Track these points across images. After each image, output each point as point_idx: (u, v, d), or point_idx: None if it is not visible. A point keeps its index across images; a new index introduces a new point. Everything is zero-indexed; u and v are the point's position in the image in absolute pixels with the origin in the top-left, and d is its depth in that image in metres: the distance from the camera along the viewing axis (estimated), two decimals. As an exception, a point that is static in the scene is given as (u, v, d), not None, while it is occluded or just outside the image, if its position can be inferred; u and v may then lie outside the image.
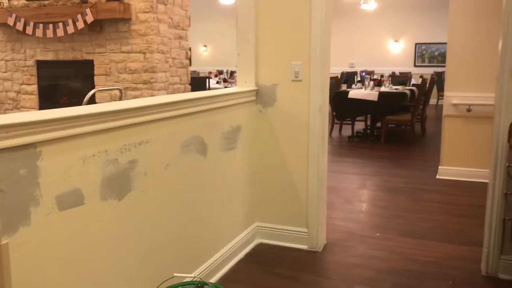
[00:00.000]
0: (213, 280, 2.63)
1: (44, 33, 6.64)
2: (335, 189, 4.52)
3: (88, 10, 6.32)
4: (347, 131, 7.95)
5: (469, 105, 4.64)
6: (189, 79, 7.31)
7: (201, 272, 2.52)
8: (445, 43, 4.79)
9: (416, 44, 12.84)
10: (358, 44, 13.23)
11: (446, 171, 4.88)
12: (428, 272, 2.78)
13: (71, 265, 1.69)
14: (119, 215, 1.91)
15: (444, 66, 4.99)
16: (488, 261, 2.74)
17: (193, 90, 7.30)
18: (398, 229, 3.48)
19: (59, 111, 1.68)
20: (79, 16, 6.38)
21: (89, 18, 6.34)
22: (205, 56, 14.96)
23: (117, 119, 1.85)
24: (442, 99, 4.89)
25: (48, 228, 1.58)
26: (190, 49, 7.35)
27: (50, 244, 1.60)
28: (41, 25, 6.62)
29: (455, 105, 4.71)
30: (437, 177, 4.92)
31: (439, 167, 4.95)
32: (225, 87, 8.65)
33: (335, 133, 7.94)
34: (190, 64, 7.50)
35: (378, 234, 3.39)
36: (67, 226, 1.66)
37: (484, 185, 2.97)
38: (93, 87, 6.49)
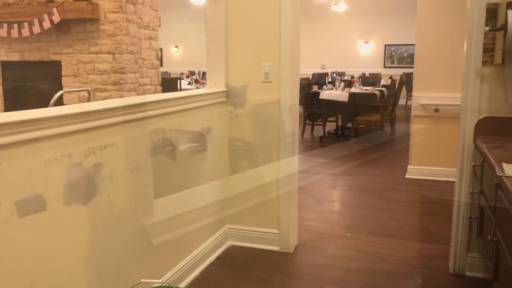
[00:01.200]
0: (183, 284, 2.59)
1: (9, 33, 6.45)
2: (306, 190, 4.54)
3: (55, 10, 6.17)
4: (318, 131, 8.01)
5: (437, 105, 4.73)
6: (160, 80, 7.23)
7: (170, 277, 2.48)
8: (414, 45, 4.87)
9: (385, 45, 13.03)
10: (329, 45, 13.35)
11: (415, 171, 4.96)
12: (397, 271, 2.81)
13: (33, 273, 1.63)
14: (84, 220, 1.86)
15: (413, 67, 5.07)
16: (455, 259, 2.78)
17: (164, 91, 7.22)
18: (368, 229, 3.51)
19: (19, 114, 1.62)
20: (45, 16, 6.22)
21: (56, 18, 6.19)
22: (176, 57, 14.84)
23: (81, 122, 1.80)
24: (411, 99, 4.97)
25: (7, 236, 1.52)
26: (161, 50, 7.27)
27: (10, 252, 1.54)
28: (5, 25, 6.43)
29: (423, 105, 4.79)
30: (406, 176, 5.00)
31: (408, 166, 5.03)
32: (197, 88, 8.60)
33: (307, 133, 7.99)
34: (161, 65, 7.41)
35: (348, 234, 3.42)
36: (29, 232, 1.60)
37: (451, 184, 3.01)
38: (61, 89, 6.34)
